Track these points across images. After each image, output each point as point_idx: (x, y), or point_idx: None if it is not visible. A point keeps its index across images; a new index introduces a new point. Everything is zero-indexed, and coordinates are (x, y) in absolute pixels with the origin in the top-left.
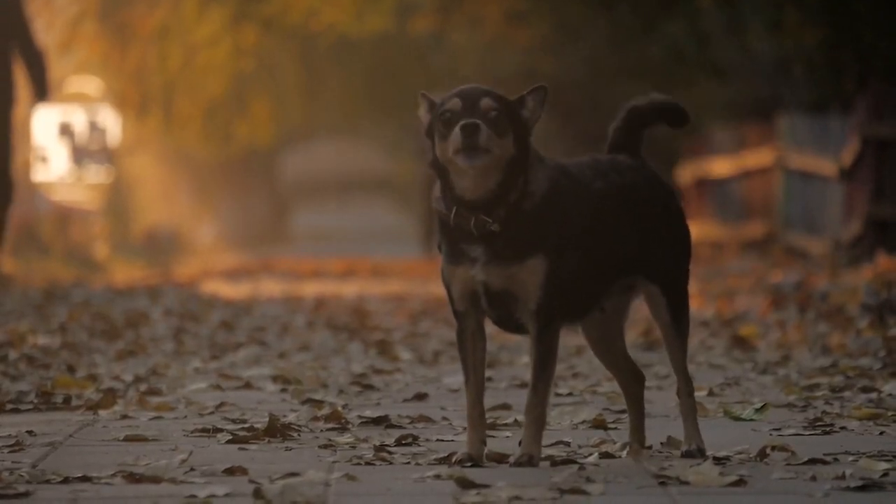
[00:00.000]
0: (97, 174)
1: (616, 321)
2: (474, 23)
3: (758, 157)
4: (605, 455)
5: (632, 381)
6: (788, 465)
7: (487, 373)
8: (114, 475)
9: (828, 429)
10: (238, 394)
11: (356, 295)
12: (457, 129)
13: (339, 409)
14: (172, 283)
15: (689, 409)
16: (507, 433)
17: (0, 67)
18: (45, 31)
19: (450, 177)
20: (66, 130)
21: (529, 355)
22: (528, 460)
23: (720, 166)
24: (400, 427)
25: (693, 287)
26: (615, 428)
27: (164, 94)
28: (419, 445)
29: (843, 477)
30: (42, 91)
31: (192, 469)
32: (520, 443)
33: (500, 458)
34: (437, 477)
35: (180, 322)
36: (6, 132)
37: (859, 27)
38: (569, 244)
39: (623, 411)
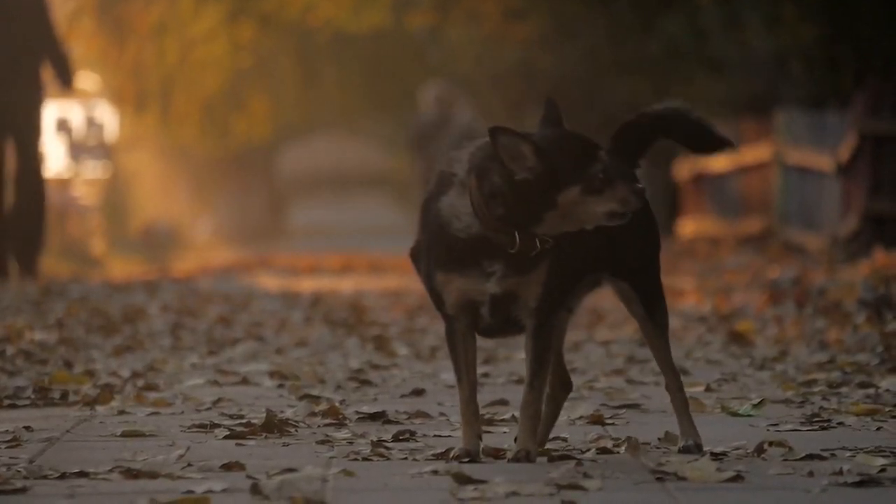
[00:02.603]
0: (94, 170)
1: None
2: (472, 18)
3: (755, 153)
4: (603, 451)
5: (559, 387)
6: (786, 460)
7: (485, 369)
8: (111, 471)
9: (825, 424)
10: (235, 389)
11: (353, 290)
12: (629, 194)
13: (337, 404)
14: (170, 279)
15: (682, 404)
16: (505, 429)
17: (29, 72)
18: None
19: (544, 215)
20: (63, 126)
21: (525, 352)
22: (525, 456)
23: (717, 162)
24: (397, 423)
25: (690, 283)
26: (613, 424)
27: (161, 90)
28: (416, 441)
29: (840, 472)
30: (66, 84)
31: (189, 465)
32: (515, 439)
33: (497, 454)
34: (435, 472)
35: (177, 317)
36: (36, 135)
37: (857, 23)
38: (562, 240)
39: (621, 407)
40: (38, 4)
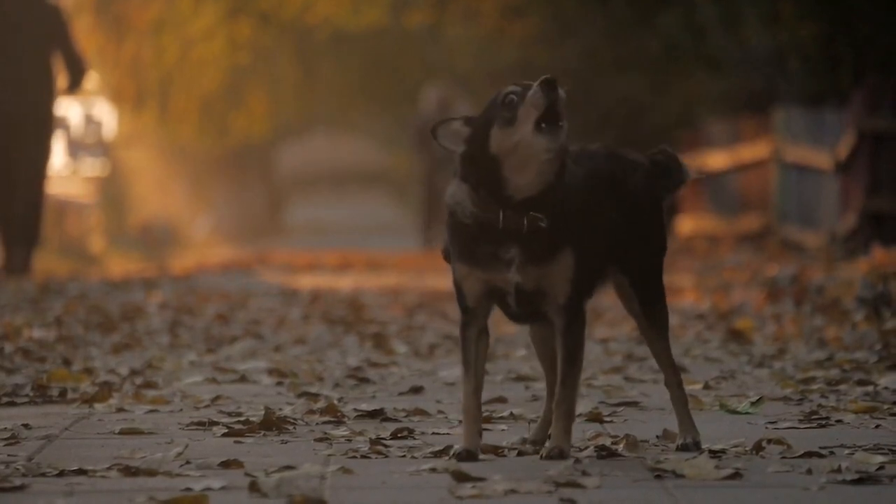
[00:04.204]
0: (93, 167)
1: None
2: (470, 16)
3: (753, 151)
4: (602, 448)
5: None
6: (784, 458)
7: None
8: (109, 468)
9: (824, 422)
10: (234, 387)
11: (352, 288)
12: (534, 90)
13: (335, 402)
14: (168, 276)
15: (681, 401)
16: (503, 427)
17: (41, 70)
18: None
19: (502, 174)
20: (61, 124)
21: (558, 349)
22: (559, 454)
23: (716, 159)
24: (395, 420)
25: (689, 281)
26: (611, 421)
27: (159, 88)
28: (415, 439)
29: (838, 470)
30: (75, 85)
31: (187, 462)
32: (524, 439)
33: (496, 452)
34: (433, 470)
35: (176, 315)
36: (47, 133)
37: (855, 20)
38: (585, 234)
39: (619, 404)
40: (51, 7)
